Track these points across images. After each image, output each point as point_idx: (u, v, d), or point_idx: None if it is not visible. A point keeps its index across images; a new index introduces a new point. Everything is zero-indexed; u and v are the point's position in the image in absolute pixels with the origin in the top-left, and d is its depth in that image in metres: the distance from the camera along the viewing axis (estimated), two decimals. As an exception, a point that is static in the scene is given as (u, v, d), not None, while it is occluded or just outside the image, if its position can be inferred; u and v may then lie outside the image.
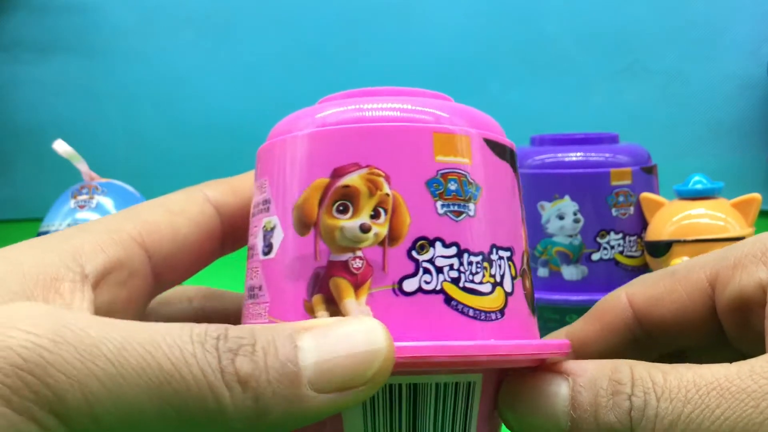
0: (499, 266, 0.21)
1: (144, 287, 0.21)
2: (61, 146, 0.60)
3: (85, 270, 0.19)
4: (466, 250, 0.20)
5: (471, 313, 0.20)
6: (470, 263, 0.20)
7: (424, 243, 0.20)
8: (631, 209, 0.55)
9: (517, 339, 0.20)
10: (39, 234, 0.59)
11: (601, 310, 0.24)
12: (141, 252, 0.21)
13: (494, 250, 0.21)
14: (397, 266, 0.20)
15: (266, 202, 0.21)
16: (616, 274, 0.55)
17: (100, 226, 0.21)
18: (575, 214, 0.54)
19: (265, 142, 0.23)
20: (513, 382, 0.20)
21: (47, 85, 1.12)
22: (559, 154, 0.56)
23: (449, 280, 0.20)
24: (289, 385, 0.17)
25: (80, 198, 0.59)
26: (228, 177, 0.26)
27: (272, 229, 0.21)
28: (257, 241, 0.21)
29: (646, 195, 0.54)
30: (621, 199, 0.55)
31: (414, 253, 0.20)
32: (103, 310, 0.20)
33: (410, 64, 1.06)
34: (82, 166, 0.61)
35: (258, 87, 1.09)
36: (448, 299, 0.20)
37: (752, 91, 0.99)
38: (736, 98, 1.00)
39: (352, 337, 0.18)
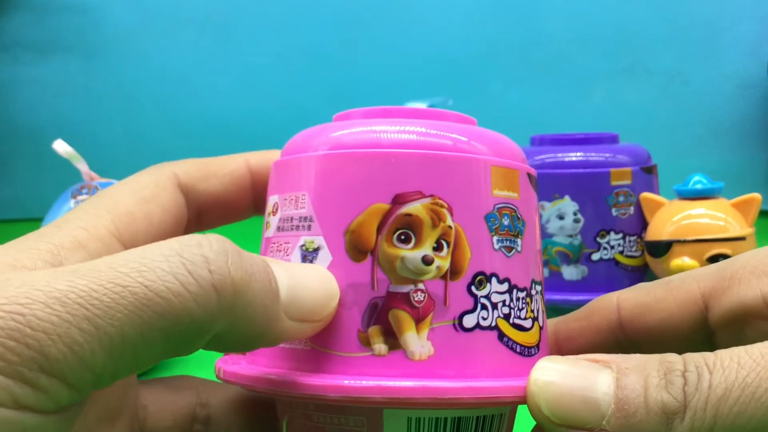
0: (537, 301, 0.21)
1: None
2: (61, 146, 0.60)
3: (63, 265, 0.19)
4: (516, 286, 0.20)
5: (518, 349, 0.20)
6: (518, 299, 0.20)
7: (482, 278, 0.20)
8: (631, 209, 0.55)
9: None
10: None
11: (591, 309, 0.24)
12: (119, 246, 0.21)
13: (533, 285, 0.21)
14: (457, 301, 0.19)
15: (305, 219, 0.21)
16: (616, 274, 0.55)
17: (76, 222, 0.21)
18: (575, 214, 0.54)
19: (294, 153, 0.22)
20: (544, 368, 0.19)
21: (47, 85, 1.12)
22: (559, 154, 0.56)
23: (502, 316, 0.20)
24: (272, 300, 0.18)
25: (80, 198, 0.59)
26: (200, 158, 0.25)
27: (315, 249, 0.20)
28: (292, 259, 0.20)
29: (646, 195, 0.54)
30: (621, 199, 0.55)
31: (473, 289, 0.20)
32: None
33: (410, 64, 1.06)
34: (82, 166, 0.61)
35: (258, 87, 1.09)
36: (501, 335, 0.20)
37: (752, 91, 0.99)
38: (736, 98, 1.00)
39: (315, 280, 0.19)
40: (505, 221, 0.21)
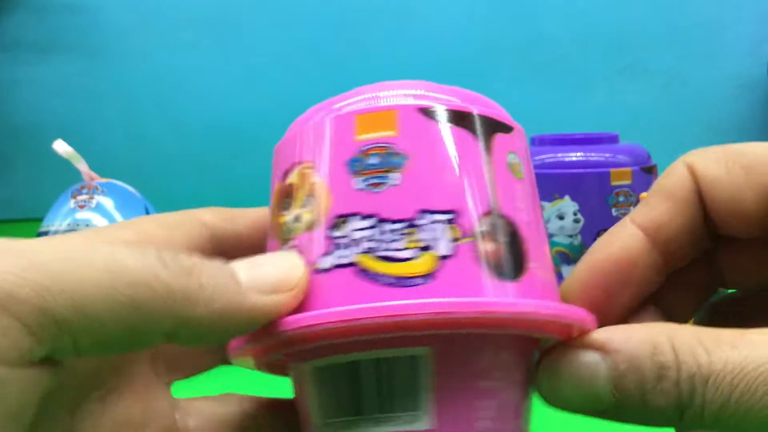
0: (430, 231, 0.20)
1: None
2: (61, 146, 0.60)
3: None
4: (386, 220, 0.20)
5: (387, 280, 0.20)
6: (391, 231, 0.20)
7: (340, 220, 0.20)
8: (631, 209, 0.55)
9: (472, 292, 0.19)
10: (39, 234, 0.59)
11: (666, 188, 0.24)
12: None
13: (424, 216, 0.20)
14: (317, 246, 0.20)
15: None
16: (616, 274, 0.55)
17: (98, 231, 0.22)
18: (575, 214, 0.54)
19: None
20: (549, 359, 0.20)
21: (47, 85, 1.12)
22: (559, 154, 0.56)
23: (364, 251, 0.20)
24: (228, 280, 0.19)
25: (80, 198, 0.59)
26: (229, 208, 0.27)
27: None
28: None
29: (646, 195, 0.54)
30: (621, 199, 0.55)
31: (331, 232, 0.20)
32: None
33: (410, 63, 1.06)
34: (82, 166, 0.61)
35: (258, 87, 1.09)
36: (362, 270, 0.20)
37: (752, 91, 0.99)
38: (736, 98, 1.00)
39: (277, 258, 0.20)
40: (373, 160, 0.21)
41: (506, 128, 0.22)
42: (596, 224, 0.54)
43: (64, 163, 0.61)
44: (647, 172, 0.56)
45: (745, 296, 0.26)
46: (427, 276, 0.19)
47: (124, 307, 0.17)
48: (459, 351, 0.20)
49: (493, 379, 0.20)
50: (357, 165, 0.21)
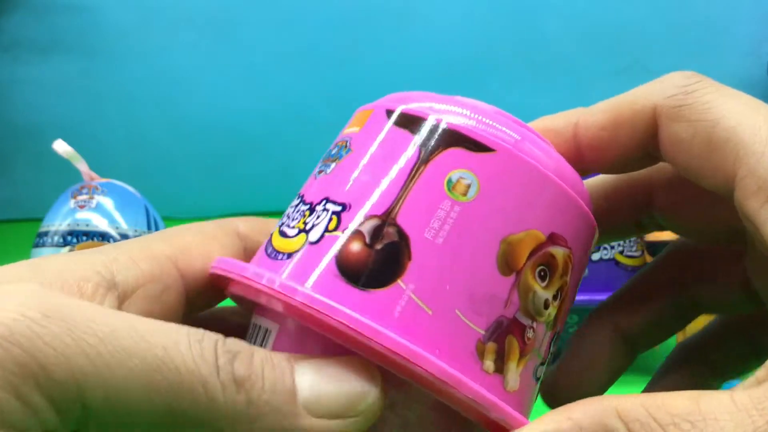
0: (318, 216, 0.20)
1: (178, 304, 0.21)
2: (61, 146, 0.60)
3: (115, 279, 0.19)
4: (303, 200, 0.21)
5: (269, 250, 0.20)
6: (297, 210, 0.20)
7: (298, 196, 0.21)
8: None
9: (292, 280, 0.19)
10: (39, 234, 0.59)
11: (618, 115, 0.23)
12: (174, 270, 0.21)
13: (323, 202, 0.20)
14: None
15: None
16: (616, 274, 0.55)
17: (134, 244, 0.21)
18: (575, 214, 0.54)
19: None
20: None
21: (47, 85, 1.12)
22: (559, 154, 0.56)
23: (280, 224, 0.21)
24: (284, 399, 0.17)
25: (80, 198, 0.59)
26: (264, 218, 0.26)
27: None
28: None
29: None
30: (621, 199, 0.55)
31: (289, 204, 0.21)
32: None
33: (410, 64, 1.06)
34: (82, 166, 0.61)
35: (258, 87, 1.09)
36: (269, 239, 0.21)
37: (752, 91, 0.98)
38: (736, 98, 1.00)
39: (348, 372, 0.18)
40: (333, 150, 0.21)
41: (474, 146, 0.20)
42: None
43: (64, 163, 0.61)
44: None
45: (710, 336, 0.27)
46: (290, 254, 0.19)
47: (159, 410, 0.16)
48: (296, 332, 0.19)
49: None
50: (326, 154, 0.21)
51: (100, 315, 0.16)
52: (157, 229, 0.60)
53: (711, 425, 0.16)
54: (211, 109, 1.09)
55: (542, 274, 0.20)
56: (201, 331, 0.17)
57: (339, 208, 0.20)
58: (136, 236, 0.55)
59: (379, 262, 0.19)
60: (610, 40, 1.03)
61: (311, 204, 0.20)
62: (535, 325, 0.20)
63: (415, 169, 0.20)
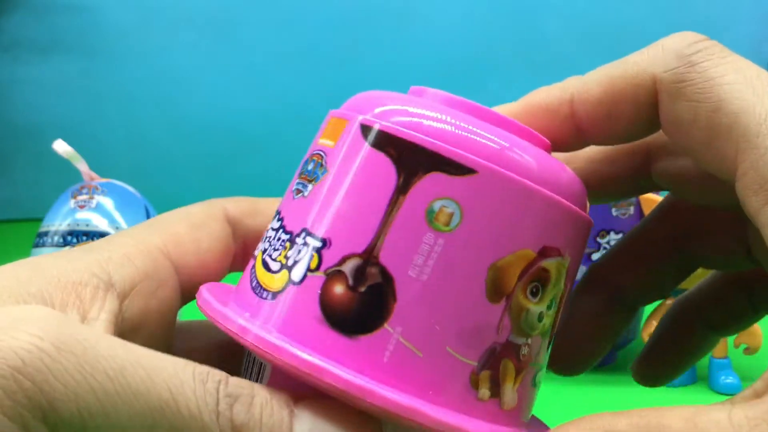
0: (299, 251, 0.19)
1: (173, 298, 0.21)
2: (61, 146, 0.60)
3: (111, 279, 0.19)
4: (284, 227, 0.20)
5: (254, 283, 0.20)
6: (278, 239, 0.20)
7: (276, 214, 0.21)
8: (631, 209, 0.55)
9: (278, 331, 0.18)
10: (39, 234, 0.59)
11: (618, 89, 0.21)
12: (168, 263, 0.21)
13: (303, 235, 0.19)
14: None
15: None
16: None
17: (126, 239, 0.21)
18: (575, 214, 0.54)
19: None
20: None
21: (47, 85, 1.12)
22: (559, 154, 0.56)
23: (262, 249, 0.20)
24: None
25: (80, 198, 0.59)
26: (252, 197, 0.25)
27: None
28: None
29: (646, 195, 0.54)
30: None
31: (270, 223, 0.20)
32: (136, 320, 0.20)
33: (410, 64, 1.06)
34: (82, 166, 0.61)
35: (258, 87, 1.09)
36: (252, 266, 0.20)
37: (752, 91, 0.99)
38: (736, 98, 1.00)
39: (347, 417, 0.18)
40: (309, 166, 0.20)
41: (455, 169, 0.18)
42: (596, 224, 0.54)
43: (64, 163, 0.61)
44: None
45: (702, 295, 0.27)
46: (275, 293, 0.19)
47: None
48: (286, 381, 0.19)
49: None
50: (303, 166, 0.20)
51: (109, 350, 0.16)
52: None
53: None
54: (211, 109, 1.09)
55: (534, 290, 0.19)
56: (206, 369, 0.17)
57: (319, 244, 0.19)
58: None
59: (364, 306, 0.18)
60: (610, 40, 1.03)
61: (291, 234, 0.19)
62: (530, 341, 0.19)
63: (394, 199, 0.18)
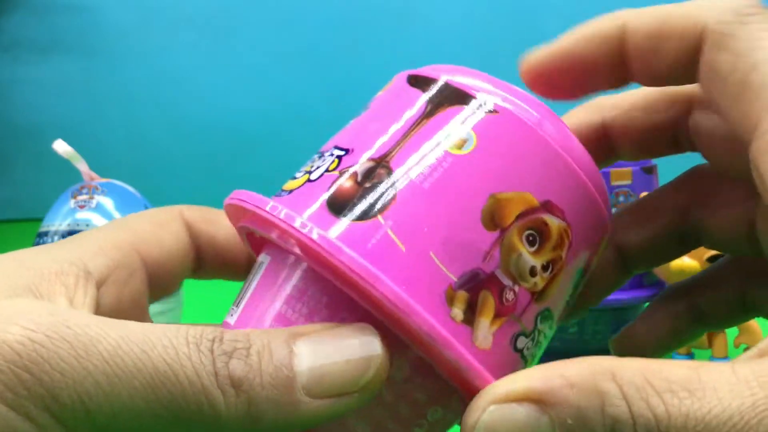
0: (323, 160, 0.21)
1: (143, 287, 0.22)
2: (61, 146, 0.60)
3: (88, 267, 0.20)
4: (318, 151, 0.22)
5: (277, 192, 0.21)
6: (310, 158, 0.22)
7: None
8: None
9: (293, 210, 0.19)
10: (39, 234, 0.59)
11: (653, 99, 0.23)
12: (137, 256, 0.22)
13: (332, 149, 0.21)
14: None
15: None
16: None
17: (97, 234, 0.22)
18: (575, 214, 0.54)
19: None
20: (470, 415, 0.17)
21: (47, 85, 1.12)
22: (559, 154, 0.56)
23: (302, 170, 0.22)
24: (283, 390, 0.17)
25: (80, 198, 0.59)
26: (208, 207, 0.26)
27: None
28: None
29: (646, 195, 0.54)
30: (621, 199, 0.54)
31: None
32: (111, 307, 0.20)
33: (410, 64, 1.06)
34: (82, 166, 0.61)
35: (258, 87, 1.09)
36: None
37: (752, 91, 0.99)
38: (736, 98, 1.00)
39: (348, 344, 0.18)
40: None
41: (478, 107, 0.21)
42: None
43: (64, 163, 0.61)
44: (647, 172, 0.56)
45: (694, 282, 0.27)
46: (291, 191, 0.20)
47: (166, 421, 0.16)
48: (280, 268, 0.20)
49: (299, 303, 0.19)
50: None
51: (101, 331, 0.16)
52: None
53: (709, 395, 0.15)
54: (211, 109, 1.09)
55: (531, 238, 0.20)
56: (199, 330, 0.17)
57: (343, 153, 0.20)
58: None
59: (364, 197, 0.19)
60: (610, 40, 1.04)
61: (322, 152, 0.21)
62: (516, 288, 0.19)
63: (418, 121, 0.20)
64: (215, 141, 1.09)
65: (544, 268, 0.20)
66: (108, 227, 0.23)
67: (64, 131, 0.72)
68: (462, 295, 0.19)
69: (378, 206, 0.19)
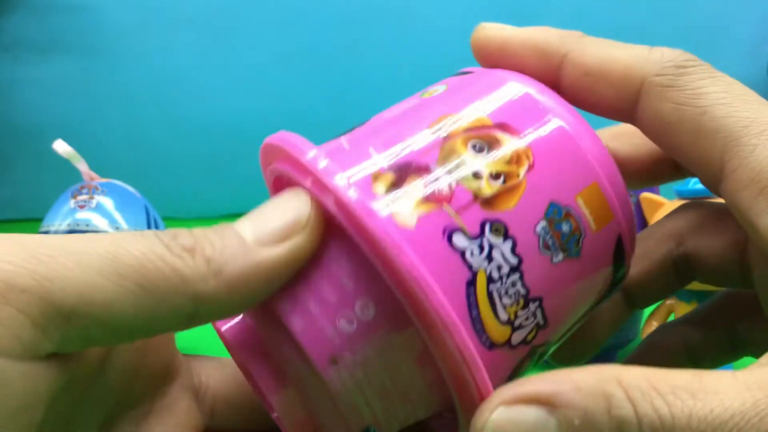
0: None
1: None
2: (61, 146, 0.60)
3: None
4: None
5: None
6: None
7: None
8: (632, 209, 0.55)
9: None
10: (39, 234, 0.59)
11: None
12: None
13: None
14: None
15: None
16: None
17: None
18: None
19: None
20: (478, 418, 0.18)
21: (47, 85, 1.12)
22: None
23: None
24: (233, 243, 0.18)
25: (80, 198, 0.59)
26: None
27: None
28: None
29: (646, 195, 0.54)
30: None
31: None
32: None
33: (410, 64, 1.06)
34: (82, 166, 0.61)
35: (258, 87, 1.09)
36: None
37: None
38: (736, 98, 1.00)
39: (280, 202, 0.19)
40: None
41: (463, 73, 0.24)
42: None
43: (64, 163, 0.61)
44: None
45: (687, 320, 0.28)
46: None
47: (134, 293, 0.16)
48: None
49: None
50: None
51: (70, 239, 0.17)
52: (157, 228, 0.60)
53: (711, 397, 0.16)
54: (211, 109, 1.09)
55: (477, 147, 0.20)
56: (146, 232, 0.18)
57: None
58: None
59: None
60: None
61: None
62: (454, 184, 0.19)
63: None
64: (215, 141, 1.09)
65: (493, 176, 0.20)
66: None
67: (64, 131, 0.72)
68: (389, 175, 0.19)
69: (345, 132, 0.22)
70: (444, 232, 0.19)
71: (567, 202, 0.21)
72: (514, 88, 0.22)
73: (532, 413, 0.16)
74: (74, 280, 0.16)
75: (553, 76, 0.23)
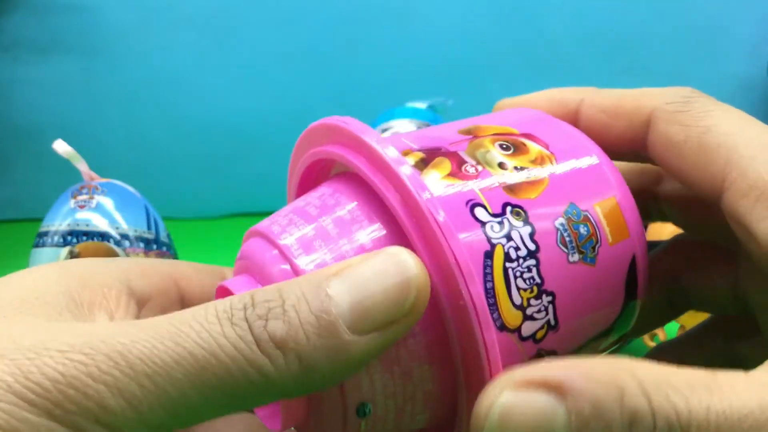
0: None
1: None
2: (61, 146, 0.60)
3: (132, 286, 0.20)
4: None
5: None
6: None
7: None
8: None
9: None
10: (39, 234, 0.59)
11: (620, 107, 0.25)
12: (177, 288, 0.23)
13: None
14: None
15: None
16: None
17: (143, 260, 0.23)
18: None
19: None
20: (484, 399, 0.17)
21: (47, 85, 1.12)
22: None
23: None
24: (329, 336, 0.17)
25: (80, 198, 0.59)
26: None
27: None
28: None
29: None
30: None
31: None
32: None
33: (410, 64, 1.06)
34: (82, 166, 0.61)
35: (258, 87, 1.09)
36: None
37: (752, 91, 0.99)
38: (736, 98, 1.00)
39: (382, 271, 0.18)
40: None
41: None
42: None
43: (64, 163, 0.61)
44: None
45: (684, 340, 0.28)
46: None
47: (222, 402, 0.16)
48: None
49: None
50: None
51: (131, 336, 0.16)
52: (157, 229, 0.60)
53: (727, 391, 0.16)
54: (211, 109, 1.09)
55: (504, 146, 0.22)
56: (227, 302, 0.17)
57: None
58: (136, 236, 0.54)
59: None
60: (611, 41, 1.03)
61: None
62: (479, 167, 0.21)
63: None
64: (215, 141, 1.09)
65: (518, 168, 0.21)
66: (152, 259, 0.24)
67: (64, 131, 0.72)
68: (418, 153, 0.21)
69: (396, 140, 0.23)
70: (467, 204, 0.20)
71: (585, 207, 0.22)
72: (539, 113, 0.24)
73: (541, 399, 0.16)
74: (163, 398, 0.16)
75: (571, 119, 0.25)
